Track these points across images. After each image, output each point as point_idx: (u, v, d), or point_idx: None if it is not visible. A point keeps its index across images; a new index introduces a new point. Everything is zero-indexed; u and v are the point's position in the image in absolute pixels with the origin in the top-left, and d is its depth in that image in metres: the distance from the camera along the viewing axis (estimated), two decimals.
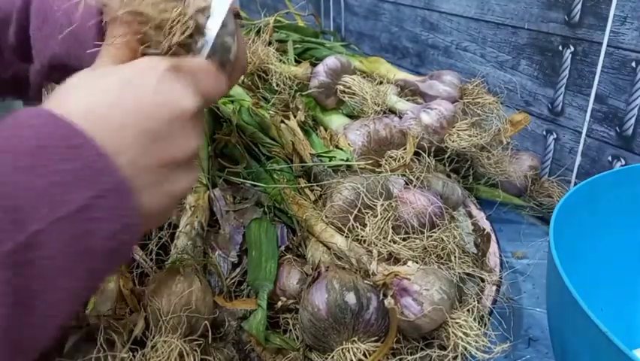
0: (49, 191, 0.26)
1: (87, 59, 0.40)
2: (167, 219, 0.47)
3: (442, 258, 0.48)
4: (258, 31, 0.78)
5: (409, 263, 0.45)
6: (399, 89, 0.73)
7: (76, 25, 0.42)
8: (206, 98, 0.36)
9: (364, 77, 0.72)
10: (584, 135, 0.70)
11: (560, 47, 0.70)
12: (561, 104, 0.72)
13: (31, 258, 0.25)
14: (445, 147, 0.63)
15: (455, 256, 0.48)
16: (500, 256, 0.56)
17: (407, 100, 0.71)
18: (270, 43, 0.74)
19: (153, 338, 0.41)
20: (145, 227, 0.32)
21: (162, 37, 0.38)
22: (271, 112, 0.64)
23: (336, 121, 0.69)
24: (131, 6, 0.37)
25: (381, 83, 0.73)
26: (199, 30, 0.40)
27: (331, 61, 0.70)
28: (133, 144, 0.30)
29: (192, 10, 0.39)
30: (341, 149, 0.61)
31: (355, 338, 0.43)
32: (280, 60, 0.72)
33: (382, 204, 0.48)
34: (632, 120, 0.63)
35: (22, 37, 0.47)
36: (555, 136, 0.75)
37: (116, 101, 0.30)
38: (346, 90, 0.69)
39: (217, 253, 0.49)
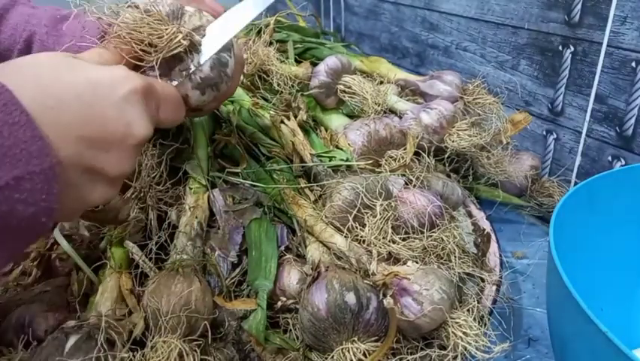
0: None
1: None
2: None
3: (441, 258, 0.48)
4: (259, 32, 0.78)
5: (409, 263, 0.45)
6: (399, 89, 0.73)
7: None
8: (159, 124, 0.37)
9: (365, 77, 0.72)
10: (584, 135, 0.70)
11: (560, 47, 0.70)
12: (561, 104, 0.72)
13: None
14: (445, 146, 0.63)
15: (455, 256, 0.48)
16: (500, 256, 0.56)
17: (407, 100, 0.71)
18: (270, 44, 0.74)
19: (153, 338, 0.41)
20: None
21: (154, 54, 0.39)
22: (271, 112, 0.64)
23: (336, 121, 0.69)
24: (127, 24, 0.38)
25: (381, 82, 0.73)
26: (194, 47, 0.41)
27: (332, 61, 0.70)
28: (71, 144, 0.30)
29: (187, 29, 0.40)
30: (341, 149, 0.61)
31: (355, 338, 0.43)
32: (281, 60, 0.72)
33: (382, 204, 0.48)
34: (632, 120, 0.63)
35: None
36: (555, 136, 0.75)
37: (75, 99, 0.31)
38: (347, 90, 0.69)
39: (217, 253, 0.49)
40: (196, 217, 0.50)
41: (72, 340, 0.39)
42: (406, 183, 0.55)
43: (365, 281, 0.44)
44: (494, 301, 0.50)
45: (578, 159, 0.72)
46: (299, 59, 0.79)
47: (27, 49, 0.48)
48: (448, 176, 0.64)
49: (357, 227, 0.48)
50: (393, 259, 0.46)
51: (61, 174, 0.30)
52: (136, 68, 0.39)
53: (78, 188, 0.32)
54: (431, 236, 0.48)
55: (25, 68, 0.30)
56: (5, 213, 0.27)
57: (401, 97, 0.71)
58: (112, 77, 0.33)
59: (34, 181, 0.27)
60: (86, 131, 0.31)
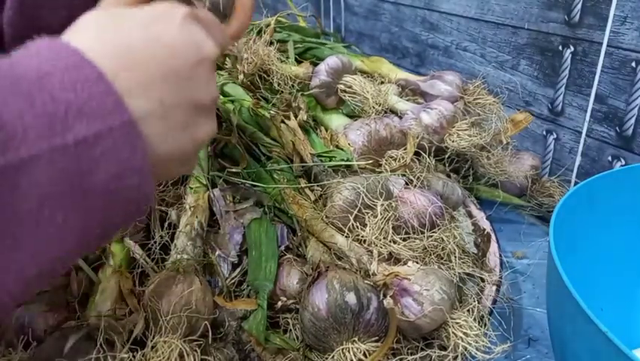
0: (46, 120, 0.24)
1: None
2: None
3: (442, 258, 0.48)
4: (259, 32, 0.78)
5: (410, 263, 0.45)
6: (400, 89, 0.73)
7: None
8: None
9: (365, 77, 0.72)
10: (584, 135, 0.70)
11: (560, 47, 0.70)
12: (561, 104, 0.72)
13: (15, 184, 0.23)
14: (445, 146, 0.63)
15: (455, 256, 0.48)
16: (500, 256, 0.56)
17: (407, 100, 0.71)
18: (271, 43, 0.74)
19: (153, 338, 0.41)
20: (165, 174, 0.32)
21: None
22: (272, 112, 0.64)
23: (336, 121, 0.69)
24: None
25: (382, 82, 0.73)
26: None
27: (332, 60, 0.70)
28: (161, 82, 0.29)
29: None
30: (341, 149, 0.61)
31: (355, 338, 0.43)
32: (281, 60, 0.72)
33: (382, 204, 0.48)
34: (632, 120, 0.63)
35: None
36: (555, 136, 0.75)
37: (143, 39, 0.29)
38: (347, 90, 0.69)
39: (217, 253, 0.49)
40: (196, 217, 0.50)
41: (71, 340, 0.39)
42: (407, 183, 0.55)
43: (365, 281, 0.44)
44: (494, 302, 0.50)
45: (578, 159, 0.72)
46: (299, 59, 0.79)
47: None
48: (448, 176, 0.64)
49: (357, 227, 0.48)
50: (393, 259, 0.46)
51: (161, 122, 0.28)
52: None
53: (186, 126, 0.31)
54: (431, 236, 0.48)
55: (76, 31, 0.29)
56: (86, 172, 0.25)
57: (401, 97, 0.71)
58: (161, 10, 0.32)
59: (115, 136, 0.26)
60: (166, 68, 0.29)
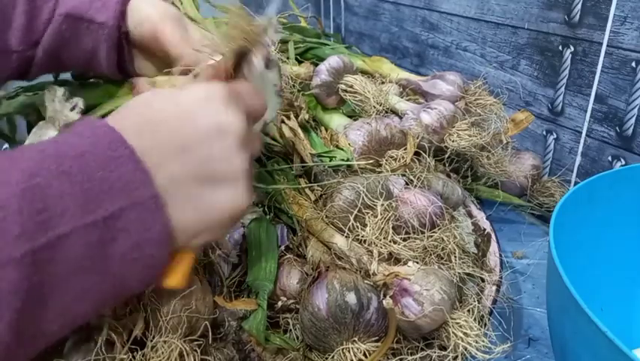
0: (81, 197, 0.27)
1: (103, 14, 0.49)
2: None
3: (442, 258, 0.48)
4: None
5: (410, 263, 0.45)
6: (400, 89, 0.73)
7: None
8: (253, 116, 0.37)
9: (366, 77, 0.71)
10: (584, 135, 0.70)
11: (560, 47, 0.70)
12: (561, 104, 0.72)
13: (51, 258, 0.26)
14: (445, 146, 0.63)
15: (455, 256, 0.48)
16: (500, 256, 0.56)
17: (408, 100, 0.71)
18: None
19: (153, 338, 0.41)
20: (194, 241, 0.33)
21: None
22: None
23: (336, 120, 0.69)
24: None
25: (383, 82, 0.73)
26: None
27: (334, 60, 0.70)
28: (170, 160, 0.31)
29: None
30: (341, 149, 0.61)
31: (356, 338, 0.43)
32: (282, 60, 0.72)
33: (383, 204, 0.48)
34: (632, 120, 0.63)
35: None
36: (555, 136, 0.75)
37: (166, 120, 0.32)
38: (348, 89, 0.69)
39: (217, 253, 0.49)
40: None
41: (71, 340, 0.39)
42: (407, 183, 0.55)
43: (366, 281, 0.44)
44: (494, 302, 0.50)
45: (578, 159, 0.72)
46: (300, 59, 0.79)
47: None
48: (448, 176, 0.64)
49: (357, 227, 0.48)
50: (393, 259, 0.46)
51: (169, 195, 0.30)
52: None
53: (195, 200, 0.31)
54: (431, 236, 0.48)
55: (128, 107, 0.32)
56: (108, 242, 0.27)
57: (402, 97, 0.71)
58: (197, 98, 0.33)
59: (137, 211, 0.28)
60: (179, 142, 0.31)
